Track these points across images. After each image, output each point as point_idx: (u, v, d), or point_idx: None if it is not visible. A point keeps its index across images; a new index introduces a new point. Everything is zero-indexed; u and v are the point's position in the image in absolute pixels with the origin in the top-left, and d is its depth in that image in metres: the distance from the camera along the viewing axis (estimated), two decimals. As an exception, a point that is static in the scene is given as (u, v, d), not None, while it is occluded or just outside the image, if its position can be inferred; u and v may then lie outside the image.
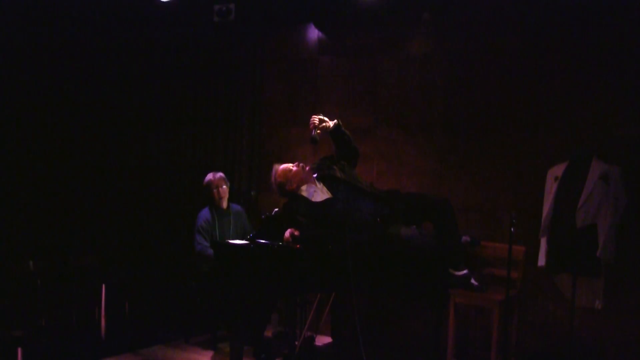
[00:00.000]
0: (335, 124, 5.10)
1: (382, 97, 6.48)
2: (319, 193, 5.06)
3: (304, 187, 5.07)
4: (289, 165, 5.15)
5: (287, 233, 5.08)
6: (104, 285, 6.26)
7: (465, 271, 5.02)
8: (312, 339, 6.12)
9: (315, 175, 5.15)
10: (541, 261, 5.25)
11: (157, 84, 7.66)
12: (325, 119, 5.07)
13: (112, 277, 6.54)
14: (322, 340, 6.35)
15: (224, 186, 6.28)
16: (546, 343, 5.68)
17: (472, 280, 5.07)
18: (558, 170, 5.23)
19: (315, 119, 5.07)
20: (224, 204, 6.30)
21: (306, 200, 5.03)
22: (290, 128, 6.98)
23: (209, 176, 6.29)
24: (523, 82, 5.80)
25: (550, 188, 5.23)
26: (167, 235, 7.50)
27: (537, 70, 5.73)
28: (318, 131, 5.04)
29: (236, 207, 6.43)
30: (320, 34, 6.80)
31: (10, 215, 7.07)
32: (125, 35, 7.67)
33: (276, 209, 5.59)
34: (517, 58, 5.82)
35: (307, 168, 5.19)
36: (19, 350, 5.05)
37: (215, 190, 6.24)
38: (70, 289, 6.36)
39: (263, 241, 5.13)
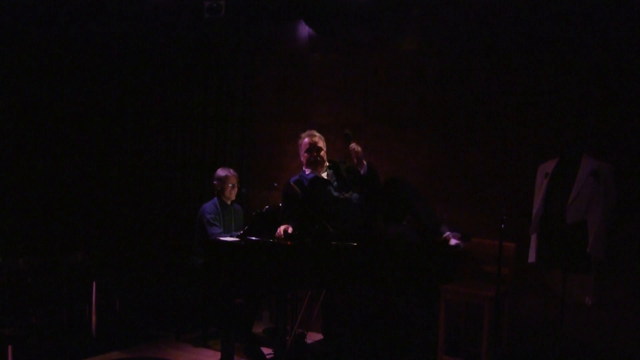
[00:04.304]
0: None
1: (372, 93, 6.48)
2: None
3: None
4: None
5: (280, 230, 5.09)
6: (94, 283, 6.24)
7: (447, 233, 5.01)
8: (303, 336, 6.13)
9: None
10: (531, 257, 5.25)
11: (147, 81, 7.63)
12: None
13: (102, 274, 6.53)
14: (313, 337, 6.35)
15: (236, 184, 6.27)
16: (536, 339, 5.70)
17: (453, 240, 5.02)
18: (548, 166, 5.23)
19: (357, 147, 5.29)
20: (230, 201, 6.30)
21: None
22: (281, 124, 6.97)
23: (224, 172, 6.24)
24: (514, 78, 5.80)
25: (541, 184, 5.22)
26: (158, 232, 7.48)
27: (527, 66, 5.74)
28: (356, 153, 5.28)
29: (237, 205, 6.41)
30: (310, 30, 6.79)
31: (0, 213, 7.04)
32: (116, 32, 7.64)
33: (267, 206, 5.59)
34: (508, 54, 5.82)
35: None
36: (10, 349, 5.02)
37: (229, 186, 6.20)
38: (60, 287, 6.34)
39: (254, 238, 5.13)
